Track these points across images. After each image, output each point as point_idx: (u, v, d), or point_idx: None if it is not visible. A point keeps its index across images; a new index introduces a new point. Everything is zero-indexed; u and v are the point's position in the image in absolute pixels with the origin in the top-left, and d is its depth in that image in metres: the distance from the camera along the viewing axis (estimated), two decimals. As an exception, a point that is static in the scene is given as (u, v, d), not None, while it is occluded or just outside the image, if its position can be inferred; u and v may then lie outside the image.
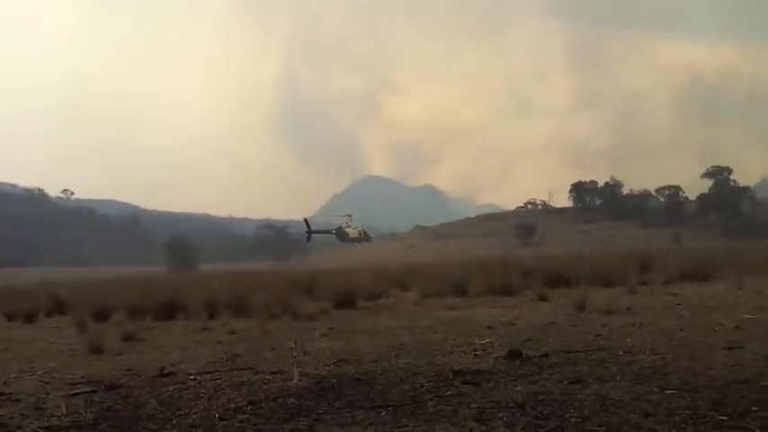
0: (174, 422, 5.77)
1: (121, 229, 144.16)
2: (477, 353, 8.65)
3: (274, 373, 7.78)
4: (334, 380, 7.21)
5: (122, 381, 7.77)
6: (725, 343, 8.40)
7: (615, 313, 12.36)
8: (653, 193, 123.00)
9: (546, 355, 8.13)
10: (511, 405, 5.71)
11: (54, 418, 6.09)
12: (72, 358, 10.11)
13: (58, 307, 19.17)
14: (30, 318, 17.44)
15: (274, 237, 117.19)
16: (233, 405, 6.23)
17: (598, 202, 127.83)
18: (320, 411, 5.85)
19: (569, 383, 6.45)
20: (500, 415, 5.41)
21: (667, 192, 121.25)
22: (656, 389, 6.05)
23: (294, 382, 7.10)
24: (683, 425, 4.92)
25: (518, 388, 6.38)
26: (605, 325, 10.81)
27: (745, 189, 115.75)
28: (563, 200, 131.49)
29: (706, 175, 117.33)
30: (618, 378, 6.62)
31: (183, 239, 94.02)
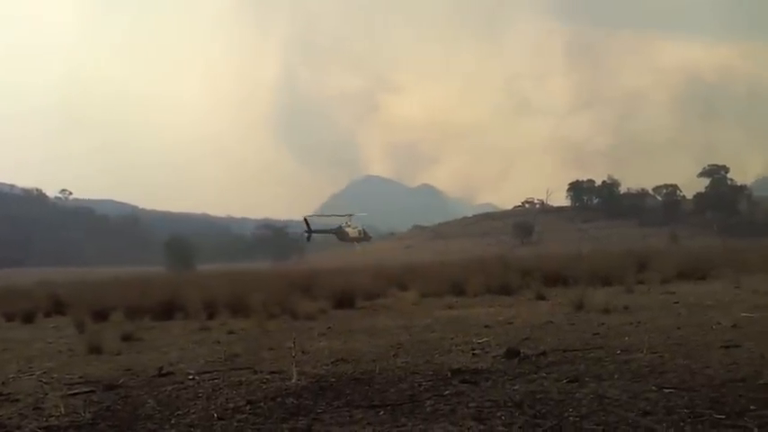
0: (173, 422, 5.78)
1: (120, 229, 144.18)
2: (475, 352, 8.67)
3: (273, 372, 7.79)
4: (333, 379, 7.22)
5: (121, 381, 7.77)
6: (722, 341, 8.43)
7: (613, 312, 12.40)
8: (650, 192, 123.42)
9: (544, 353, 8.15)
10: (509, 404, 5.72)
11: (53, 419, 6.09)
12: (71, 358, 10.11)
13: (57, 307, 19.14)
14: (28, 318, 17.43)
15: (273, 236, 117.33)
16: (231, 405, 6.24)
17: (595, 201, 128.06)
18: (319, 411, 5.86)
19: (567, 382, 6.47)
20: (498, 414, 5.42)
21: (664, 191, 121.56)
22: (653, 387, 6.07)
23: (293, 381, 7.11)
24: (681, 423, 4.94)
25: (516, 387, 6.40)
26: (603, 324, 10.84)
27: (742, 188, 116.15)
28: (560, 199, 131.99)
29: (703, 173, 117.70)
30: (615, 377, 6.64)
31: (182, 239, 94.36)
